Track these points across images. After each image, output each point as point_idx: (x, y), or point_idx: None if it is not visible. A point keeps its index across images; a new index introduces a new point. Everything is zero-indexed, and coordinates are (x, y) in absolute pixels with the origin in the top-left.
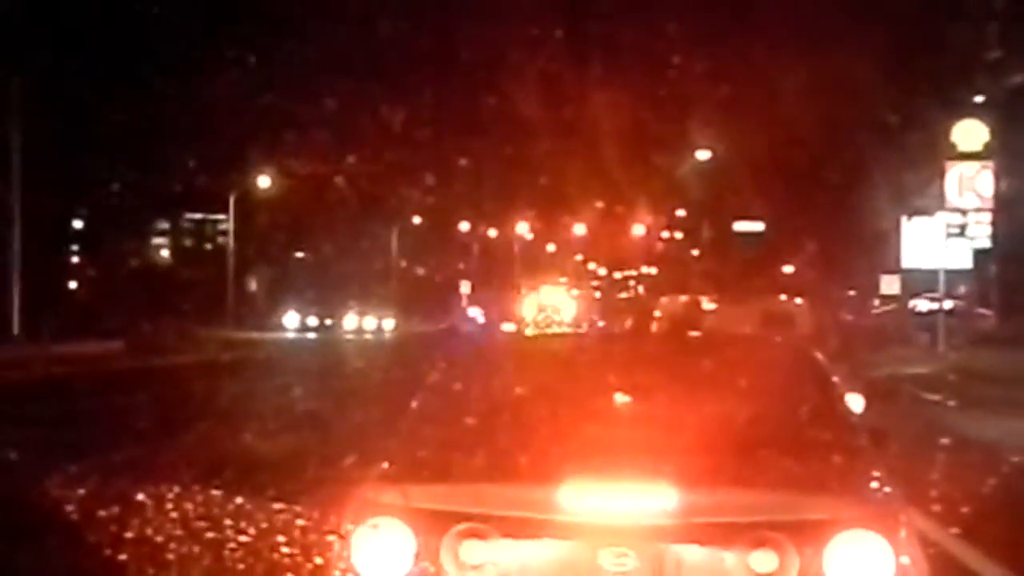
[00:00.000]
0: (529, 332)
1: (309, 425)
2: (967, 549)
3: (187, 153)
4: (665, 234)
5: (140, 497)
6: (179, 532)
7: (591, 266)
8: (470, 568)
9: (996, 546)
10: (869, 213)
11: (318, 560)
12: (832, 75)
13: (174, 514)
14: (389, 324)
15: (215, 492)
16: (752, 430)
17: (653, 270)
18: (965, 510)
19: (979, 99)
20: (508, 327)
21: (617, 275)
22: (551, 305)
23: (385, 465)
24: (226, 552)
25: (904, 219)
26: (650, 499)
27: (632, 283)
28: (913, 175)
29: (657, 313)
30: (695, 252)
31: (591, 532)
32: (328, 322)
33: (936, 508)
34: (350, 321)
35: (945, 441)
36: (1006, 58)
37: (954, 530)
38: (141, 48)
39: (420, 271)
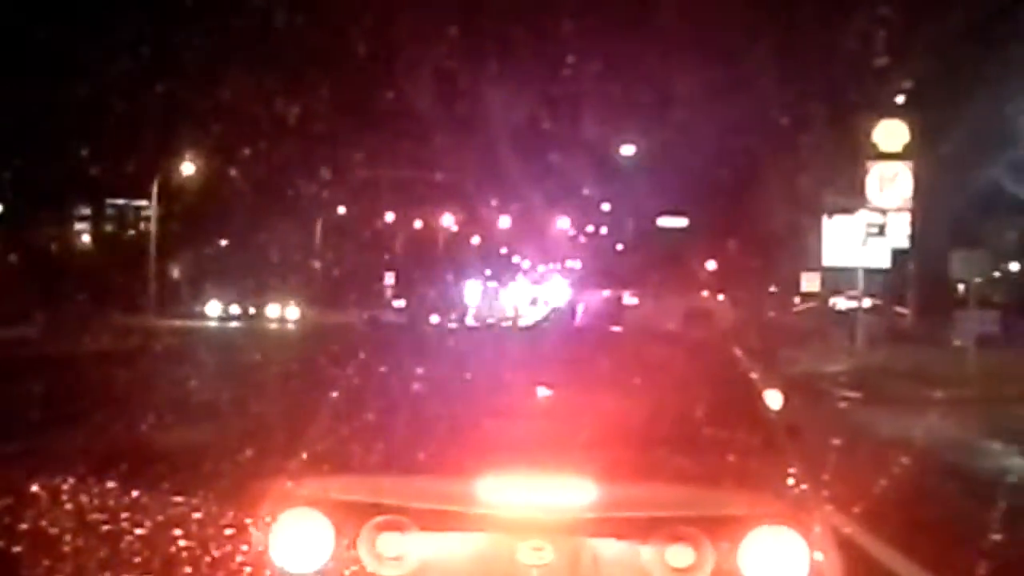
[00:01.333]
0: (452, 325)
1: (217, 415)
2: (872, 540)
3: (109, 138)
4: (589, 228)
5: (34, 489)
6: (75, 524)
7: (515, 259)
8: (388, 560)
9: (898, 537)
10: (791, 211)
11: (237, 553)
12: (757, 72)
13: (69, 506)
14: (312, 313)
15: (111, 484)
16: (670, 426)
17: (578, 264)
18: (869, 501)
19: (900, 100)
20: (433, 319)
21: (541, 269)
22: (479, 298)
23: (304, 456)
24: (124, 545)
25: (825, 217)
26: (568, 493)
27: (557, 276)
28: (835, 174)
29: (580, 308)
30: (619, 247)
31: (509, 525)
32: (251, 311)
33: (842, 499)
34: (273, 310)
35: (859, 437)
36: (927, 59)
37: (860, 522)
38: (58, 29)
39: (344, 261)
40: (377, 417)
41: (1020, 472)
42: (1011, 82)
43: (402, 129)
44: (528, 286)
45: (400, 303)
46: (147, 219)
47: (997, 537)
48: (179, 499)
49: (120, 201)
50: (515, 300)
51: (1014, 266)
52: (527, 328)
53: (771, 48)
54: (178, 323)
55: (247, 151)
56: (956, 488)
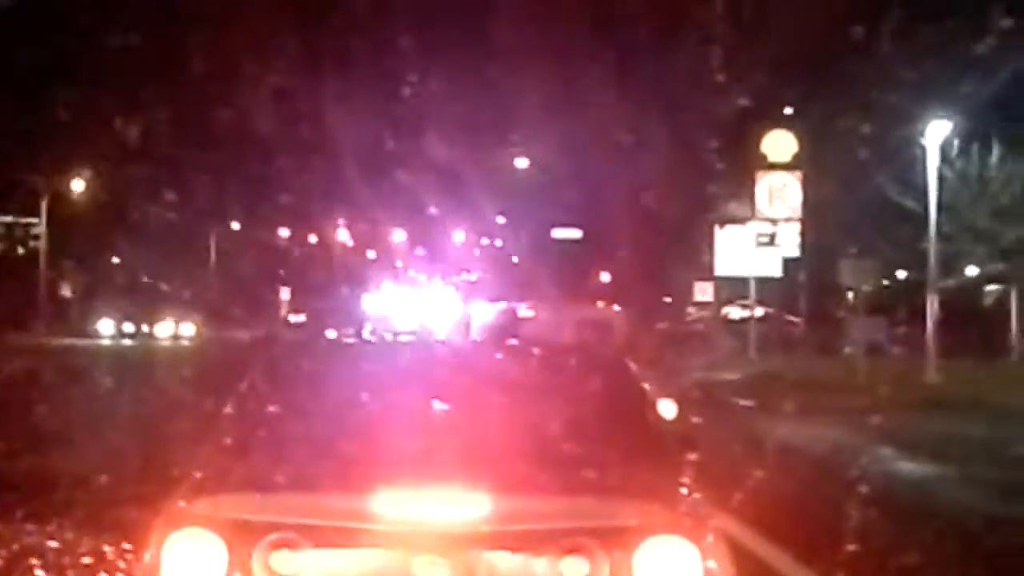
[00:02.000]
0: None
1: (104, 437)
2: (764, 544)
3: None
4: (484, 241)
5: None
6: None
7: (411, 272)
8: None
9: (788, 540)
10: (683, 221)
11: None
12: (649, 84)
13: None
14: (206, 330)
15: None
16: (563, 437)
17: (474, 276)
18: (761, 507)
19: (788, 111)
20: (330, 333)
21: (437, 281)
22: (377, 312)
23: (195, 475)
24: None
25: (717, 227)
26: (462, 506)
27: (452, 289)
28: (726, 184)
29: (475, 321)
30: (514, 259)
31: (403, 540)
32: (144, 328)
33: (735, 505)
34: (166, 327)
35: (752, 445)
36: (815, 71)
37: (753, 527)
38: None
39: (240, 276)
40: (269, 434)
41: (908, 476)
42: (891, 92)
43: (296, 143)
44: (424, 298)
45: (297, 318)
46: (36, 237)
47: (885, 538)
48: (50, 528)
49: (8, 219)
50: (411, 313)
51: (901, 274)
52: (423, 341)
53: (661, 57)
54: (68, 342)
55: (138, 167)
56: (846, 492)
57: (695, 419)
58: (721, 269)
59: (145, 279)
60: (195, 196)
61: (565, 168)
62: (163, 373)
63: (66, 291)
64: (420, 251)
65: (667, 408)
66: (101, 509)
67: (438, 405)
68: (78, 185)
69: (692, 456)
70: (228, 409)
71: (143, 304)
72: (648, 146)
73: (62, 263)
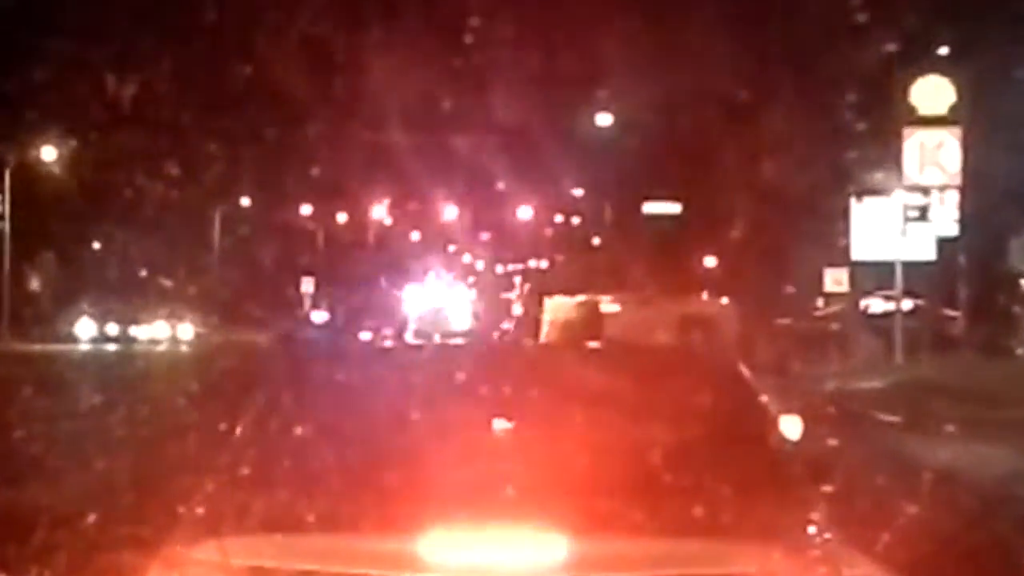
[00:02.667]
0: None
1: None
2: None
3: None
4: (558, 219)
5: None
6: None
7: (466, 259)
8: None
9: None
10: (811, 193)
11: None
12: (766, 22)
13: None
14: (211, 332)
15: None
16: (661, 465)
17: (544, 263)
18: (914, 553)
19: (944, 51)
20: (363, 336)
21: (499, 270)
22: (423, 309)
23: (198, 512)
24: None
25: (853, 200)
26: (536, 551)
27: (518, 280)
28: (863, 145)
29: (546, 319)
30: (595, 241)
31: None
32: (133, 330)
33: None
34: (160, 329)
35: (901, 473)
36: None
37: None
38: None
39: (251, 265)
40: (292, 461)
41: None
42: None
43: (321, 102)
44: (483, 292)
45: (321, 316)
46: (0, 217)
47: None
48: None
49: None
50: (467, 308)
51: None
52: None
53: None
54: (40, 348)
55: (127, 134)
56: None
57: (827, 440)
58: (859, 252)
59: (134, 270)
60: (197, 168)
61: (661, 127)
62: (158, 386)
63: (36, 285)
64: (478, 232)
65: (792, 427)
66: (87, 554)
67: (501, 425)
68: (50, 155)
69: (824, 487)
70: (239, 430)
71: (132, 301)
72: (766, 99)
73: (32, 250)
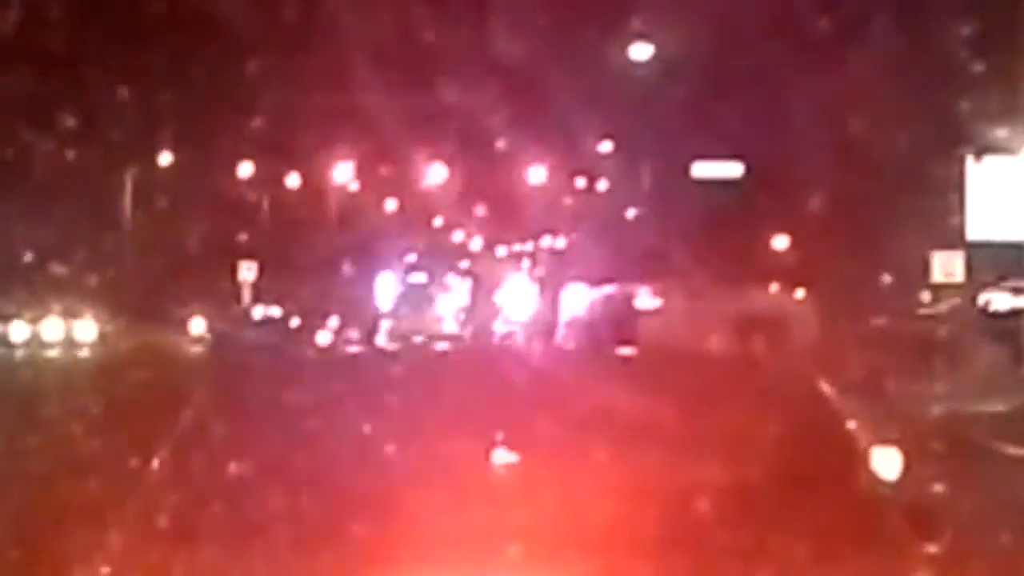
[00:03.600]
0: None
1: None
2: None
3: None
4: (580, 183)
5: None
6: None
7: (457, 237)
8: None
9: None
10: (913, 154)
11: None
12: None
13: None
14: (119, 332)
15: None
16: (711, 516)
17: (561, 242)
18: None
19: None
20: (321, 338)
21: (501, 251)
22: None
23: (104, 571)
24: None
25: (970, 159)
26: None
27: (526, 265)
28: (983, 95)
29: (563, 316)
30: (629, 213)
31: None
32: (17, 330)
33: None
34: (52, 328)
35: None
36: None
37: None
38: None
39: (173, 243)
40: (223, 510)
41: None
42: None
43: (268, 26)
44: (479, 279)
45: (268, 311)
46: None
47: None
48: None
49: None
50: (457, 304)
51: None
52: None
53: None
54: None
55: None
56: None
57: (934, 482)
58: (976, 231)
59: (17, 251)
60: (101, 117)
61: (715, 65)
62: (50, 406)
63: None
64: (473, 202)
65: (888, 463)
66: None
67: (501, 460)
68: None
69: (928, 545)
70: (156, 467)
71: (17, 291)
72: (854, 33)
73: None
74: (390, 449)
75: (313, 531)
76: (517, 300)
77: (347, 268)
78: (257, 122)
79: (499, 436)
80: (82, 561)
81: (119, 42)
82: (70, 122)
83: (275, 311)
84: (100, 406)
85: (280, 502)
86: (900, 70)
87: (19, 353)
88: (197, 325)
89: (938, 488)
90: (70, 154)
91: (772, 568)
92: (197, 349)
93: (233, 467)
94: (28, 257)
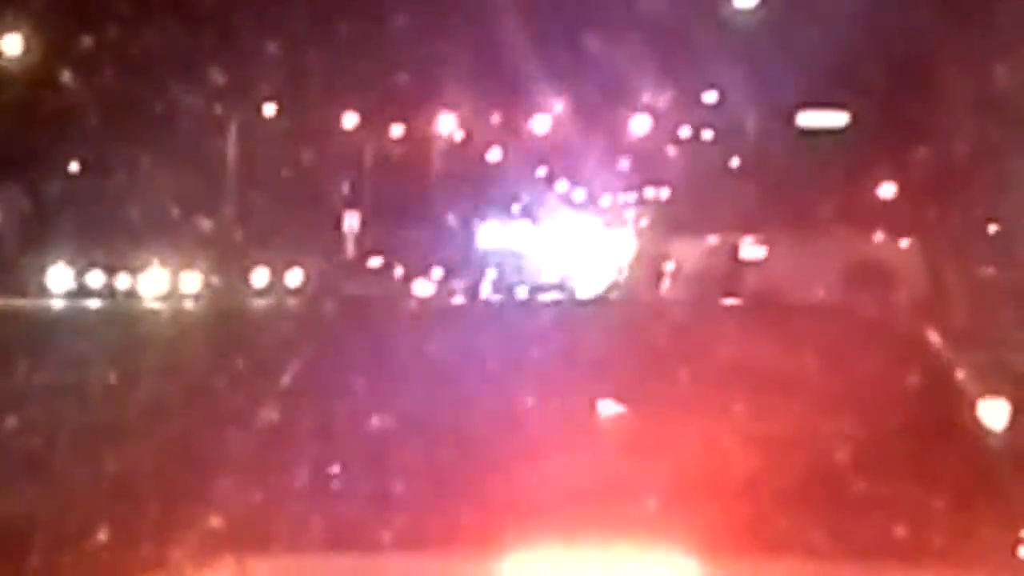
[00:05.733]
0: (457, 299)
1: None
2: None
3: None
4: (684, 132)
5: None
6: None
7: (561, 187)
8: None
9: None
10: (1017, 99)
11: None
12: None
13: None
14: (224, 284)
15: None
16: (822, 467)
17: (665, 193)
18: None
19: None
20: (424, 288)
21: (606, 201)
22: (504, 253)
23: (214, 525)
24: None
25: None
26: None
27: (631, 215)
28: None
29: (669, 266)
30: (733, 163)
31: None
32: (121, 281)
33: None
34: (157, 279)
35: None
36: None
37: None
38: None
39: (276, 195)
40: (331, 455)
41: None
42: None
43: None
44: (584, 230)
45: (373, 261)
46: None
47: None
48: None
49: None
50: (563, 253)
51: None
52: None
53: None
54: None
55: (106, 22)
56: None
57: None
58: None
59: (123, 202)
60: (203, 65)
61: (822, 10)
62: (156, 356)
63: None
64: (577, 152)
65: (996, 413)
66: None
67: (608, 410)
68: (13, 47)
69: None
70: (268, 416)
71: (119, 241)
72: None
73: None
74: (488, 398)
75: (425, 478)
76: (620, 250)
77: (451, 218)
78: (359, 71)
79: (600, 386)
80: (190, 513)
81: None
82: (173, 71)
83: (378, 260)
84: (208, 357)
85: (388, 449)
86: (1011, 13)
87: (121, 304)
88: (295, 276)
89: None
90: (174, 103)
91: (883, 515)
92: (302, 302)
93: (337, 409)
94: (135, 209)
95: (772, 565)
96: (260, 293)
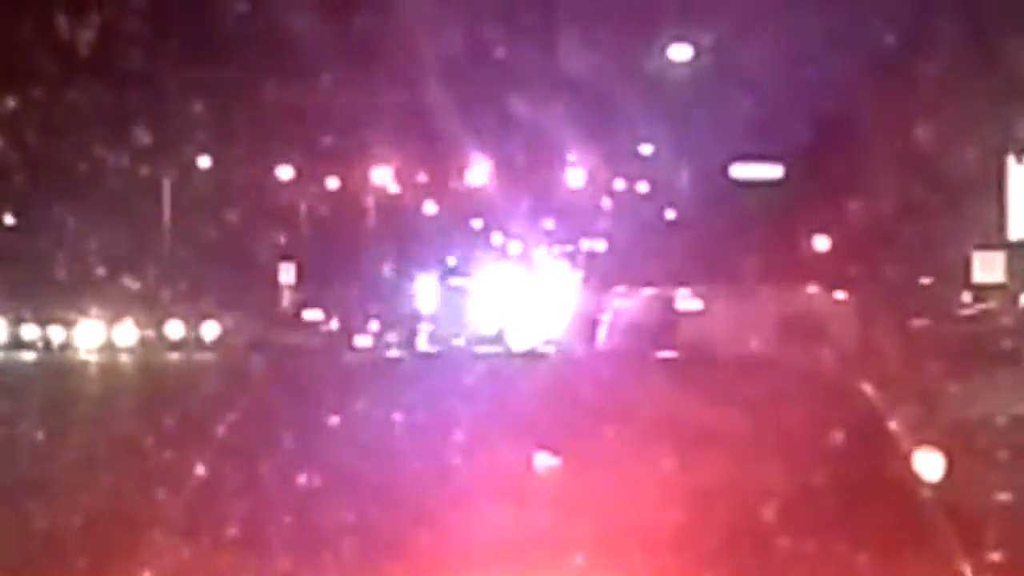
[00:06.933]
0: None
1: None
2: None
3: None
4: (619, 184)
5: None
6: None
7: (496, 239)
8: None
9: None
10: (953, 151)
11: None
12: None
13: None
14: (157, 336)
15: None
16: (752, 519)
17: (600, 244)
18: None
19: None
20: (362, 341)
21: (541, 254)
22: (438, 306)
23: None
24: None
25: (1011, 160)
26: None
27: (567, 267)
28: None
29: (605, 317)
30: (668, 214)
31: None
32: (53, 333)
33: None
34: (91, 332)
35: None
36: None
37: None
38: None
39: (212, 246)
40: (254, 519)
41: None
42: None
43: (306, 29)
44: (518, 282)
45: (311, 314)
46: None
47: None
48: None
49: None
50: (499, 306)
51: None
52: (517, 354)
53: None
54: None
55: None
56: None
57: (977, 486)
58: (1019, 229)
59: (57, 253)
60: (138, 119)
61: (754, 63)
62: (87, 407)
63: None
64: (512, 204)
65: (930, 465)
66: None
67: (543, 462)
68: None
69: (985, 553)
70: (201, 472)
71: (53, 294)
72: (891, 27)
73: None
74: (425, 456)
75: (377, 540)
76: (556, 303)
77: (386, 271)
78: (295, 125)
79: (551, 444)
80: (152, 568)
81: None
82: (109, 124)
83: (316, 313)
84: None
85: (341, 511)
86: (936, 63)
87: (55, 355)
88: (231, 327)
89: (979, 488)
90: (109, 156)
91: (828, 562)
92: (237, 353)
93: (294, 475)
94: (59, 257)
95: None
96: (178, 346)
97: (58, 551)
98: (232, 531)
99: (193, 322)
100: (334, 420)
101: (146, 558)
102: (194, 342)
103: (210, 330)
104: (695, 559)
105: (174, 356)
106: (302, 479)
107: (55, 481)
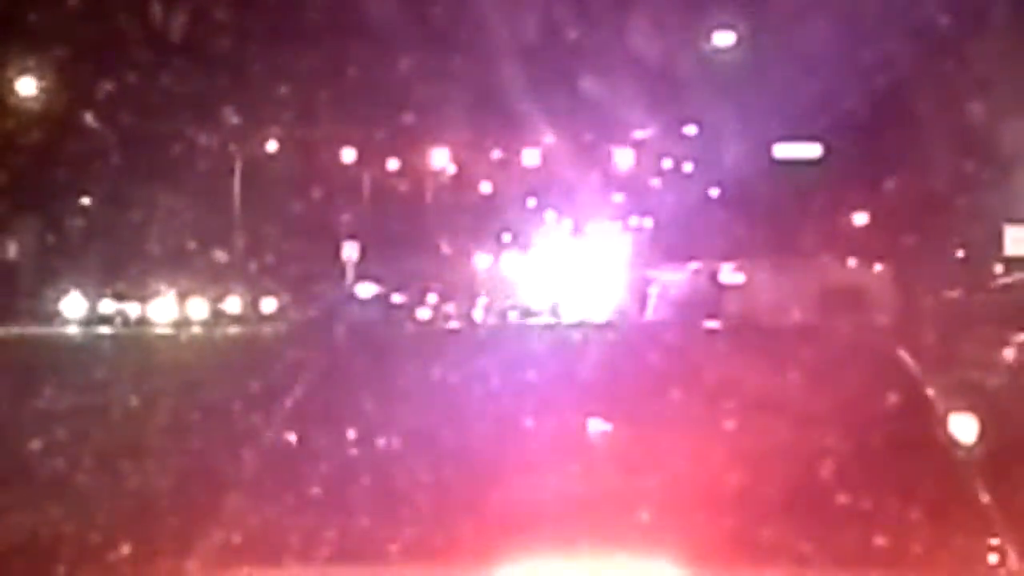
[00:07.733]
0: (452, 323)
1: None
2: None
3: None
4: (667, 164)
5: None
6: None
7: (549, 216)
8: None
9: None
10: (989, 130)
11: None
12: None
13: None
14: (231, 310)
15: None
16: (798, 479)
17: (648, 222)
18: None
19: None
20: (423, 313)
21: (592, 231)
22: (495, 281)
23: (221, 540)
24: None
25: None
26: None
27: (617, 243)
28: None
29: (653, 291)
30: (713, 192)
31: None
32: (131, 308)
33: None
34: (166, 307)
35: None
36: None
37: None
38: None
39: (279, 226)
40: (341, 470)
41: None
42: None
43: (366, 17)
44: (570, 258)
45: (370, 288)
46: None
47: None
48: None
49: None
50: (552, 280)
51: None
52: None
53: None
54: (16, 331)
55: (118, 63)
56: None
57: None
58: None
59: (133, 233)
60: (210, 105)
61: (795, 48)
62: (161, 378)
63: (10, 251)
64: (565, 184)
65: (965, 428)
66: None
67: (596, 427)
68: (28, 88)
69: (1005, 500)
70: (272, 431)
71: (130, 270)
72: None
73: (7, 211)
74: (484, 416)
75: (429, 481)
76: (607, 277)
77: (445, 248)
78: (357, 109)
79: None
80: (198, 527)
81: (227, 32)
82: (183, 110)
83: (375, 288)
84: (214, 377)
85: (394, 459)
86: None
87: (133, 329)
88: (300, 302)
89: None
90: (183, 140)
91: (867, 520)
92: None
93: (345, 424)
94: (134, 235)
95: (760, 574)
96: (245, 320)
97: (151, 510)
98: (315, 490)
99: (261, 297)
100: (404, 385)
101: (230, 518)
102: (261, 316)
103: (278, 305)
104: (758, 515)
105: (244, 329)
106: (377, 442)
107: (145, 447)
